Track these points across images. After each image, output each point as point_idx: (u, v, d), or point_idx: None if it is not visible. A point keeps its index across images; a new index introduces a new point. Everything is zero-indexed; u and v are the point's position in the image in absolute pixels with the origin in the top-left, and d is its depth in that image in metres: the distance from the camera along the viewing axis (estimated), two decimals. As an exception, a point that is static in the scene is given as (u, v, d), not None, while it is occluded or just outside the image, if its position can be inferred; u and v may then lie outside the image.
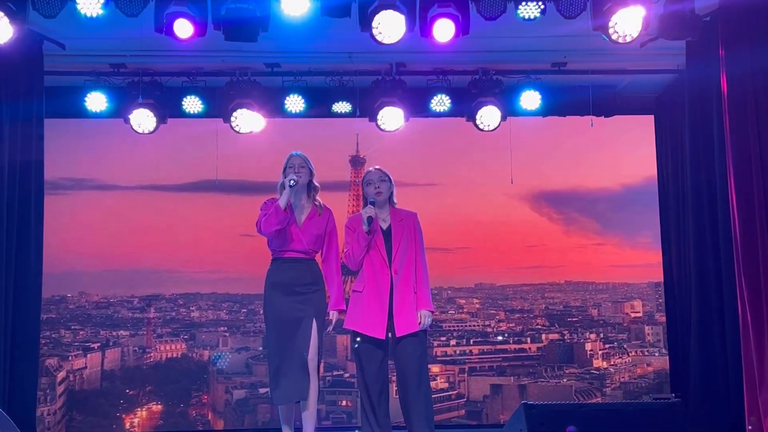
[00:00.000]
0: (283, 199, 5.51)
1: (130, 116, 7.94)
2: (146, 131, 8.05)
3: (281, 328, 5.52)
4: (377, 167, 5.80)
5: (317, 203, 5.75)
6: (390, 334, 5.57)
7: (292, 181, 5.51)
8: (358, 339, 5.58)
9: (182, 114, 8.04)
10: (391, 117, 7.96)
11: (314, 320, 5.55)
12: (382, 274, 5.57)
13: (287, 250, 5.64)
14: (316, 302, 5.60)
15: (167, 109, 8.06)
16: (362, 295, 5.60)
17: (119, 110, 7.99)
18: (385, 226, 5.68)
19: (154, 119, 7.99)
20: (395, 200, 5.80)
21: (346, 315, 5.67)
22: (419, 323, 5.58)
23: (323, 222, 5.72)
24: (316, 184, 5.78)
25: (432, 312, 5.67)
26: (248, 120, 7.98)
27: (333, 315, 5.69)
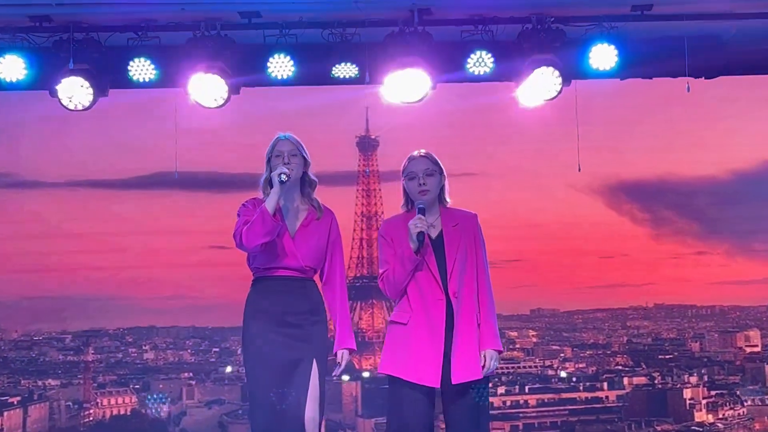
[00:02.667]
0: (270, 200, 5.45)
1: (58, 87, 7.97)
2: (80, 107, 8.07)
3: (270, 375, 5.49)
4: (422, 152, 5.66)
5: (315, 204, 5.73)
6: (443, 381, 5.53)
7: (282, 176, 5.46)
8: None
9: (128, 83, 8.06)
10: (413, 83, 7.96)
11: (315, 363, 5.54)
12: (433, 300, 5.51)
13: (276, 268, 5.59)
14: (316, 338, 5.56)
15: (108, 76, 8.07)
16: (408, 329, 5.50)
17: (43, 79, 8.01)
18: (434, 233, 5.59)
19: (91, 91, 8.01)
20: (447, 198, 5.74)
21: (383, 355, 5.62)
22: (483, 366, 5.56)
23: (324, 229, 5.69)
24: (313, 177, 5.74)
25: (500, 352, 5.62)
26: (218, 90, 7.99)
27: (342, 356, 5.68)
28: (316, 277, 5.75)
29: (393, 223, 5.64)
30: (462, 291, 5.51)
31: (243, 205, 5.64)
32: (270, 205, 5.43)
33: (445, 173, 5.67)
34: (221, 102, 8.09)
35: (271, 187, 5.52)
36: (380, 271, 5.58)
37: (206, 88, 7.99)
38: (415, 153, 5.66)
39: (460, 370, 5.45)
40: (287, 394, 5.46)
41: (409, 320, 5.49)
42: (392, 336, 5.55)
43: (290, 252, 5.56)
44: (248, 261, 5.68)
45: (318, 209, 5.69)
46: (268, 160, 5.65)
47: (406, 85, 7.99)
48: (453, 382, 5.44)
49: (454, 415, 5.52)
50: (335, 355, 5.64)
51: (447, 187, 5.70)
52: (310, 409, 5.49)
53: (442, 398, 5.55)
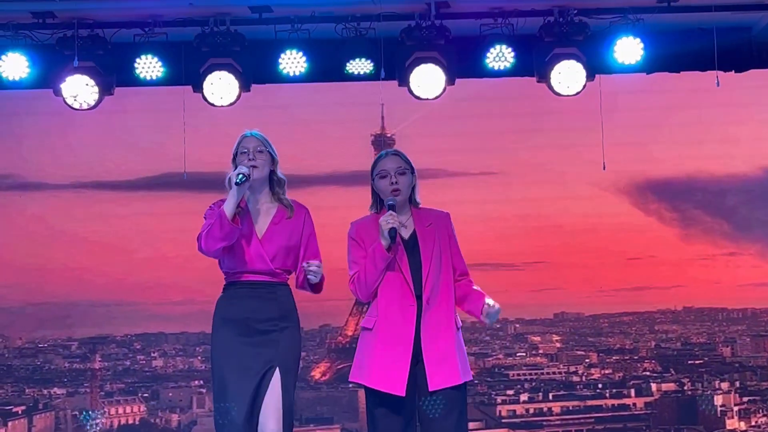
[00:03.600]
0: (228, 203, 5.38)
1: (62, 86, 8.00)
2: (85, 106, 8.10)
3: (234, 386, 5.43)
4: (394, 150, 5.69)
5: (285, 202, 5.65)
6: (417, 390, 5.50)
7: (240, 176, 5.38)
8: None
9: (135, 81, 8.09)
10: (430, 79, 7.97)
11: (278, 372, 5.46)
12: (404, 305, 5.47)
13: (244, 272, 5.56)
14: (283, 345, 5.50)
15: (114, 74, 8.12)
16: (374, 335, 5.49)
17: (46, 77, 8.05)
18: (406, 234, 5.56)
19: (96, 89, 8.04)
20: (418, 198, 5.73)
21: (353, 362, 5.61)
22: (488, 310, 5.45)
23: (296, 227, 5.62)
24: (281, 175, 5.66)
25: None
26: (228, 87, 8.01)
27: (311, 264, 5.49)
28: (292, 281, 5.68)
29: (363, 224, 5.61)
30: (437, 294, 5.48)
31: (210, 207, 5.58)
32: (228, 207, 5.35)
33: (415, 173, 5.65)
34: (231, 100, 8.11)
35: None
36: (350, 273, 5.55)
37: (216, 85, 8.01)
38: (386, 151, 5.67)
39: (438, 374, 5.41)
40: (230, 409, 5.39)
41: (374, 325, 5.48)
42: (360, 342, 5.57)
43: (258, 254, 5.51)
44: (219, 264, 5.66)
45: (288, 207, 5.62)
46: (234, 158, 5.60)
47: (423, 80, 8.00)
48: (429, 389, 5.40)
49: (432, 426, 5.49)
50: (309, 264, 5.47)
51: (417, 187, 5.67)
52: (273, 421, 5.41)
53: (418, 408, 5.50)
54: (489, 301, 5.50)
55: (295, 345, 5.61)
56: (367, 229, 5.55)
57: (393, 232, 5.36)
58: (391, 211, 5.41)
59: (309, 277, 5.48)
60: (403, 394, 5.40)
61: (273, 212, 5.62)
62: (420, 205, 5.67)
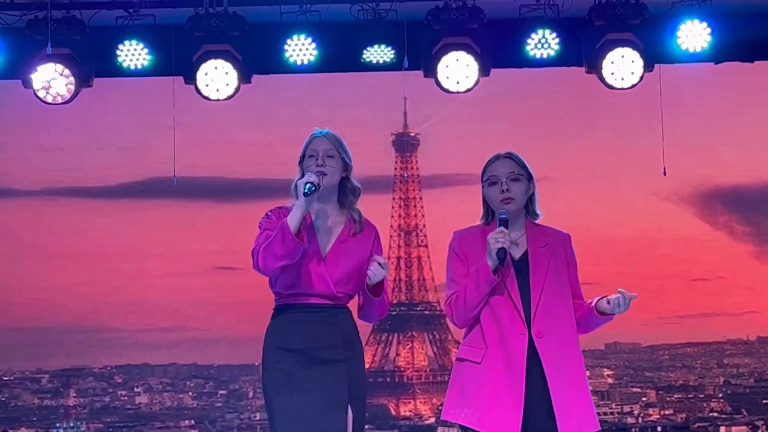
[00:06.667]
0: (293, 215, 5.36)
1: (33, 75, 8.04)
2: (59, 100, 8.14)
3: (298, 423, 5.44)
4: (506, 153, 5.62)
5: (355, 216, 5.66)
6: None
7: (308, 186, 5.37)
8: None
9: (117, 70, 8.13)
10: (461, 69, 7.99)
11: (350, 412, 5.48)
12: (514, 335, 5.41)
13: (303, 294, 5.54)
14: (350, 377, 5.52)
15: (93, 62, 8.16)
16: (482, 369, 5.44)
17: (14, 66, 8.11)
18: (518, 254, 5.53)
19: (72, 80, 8.08)
20: (538, 209, 5.66)
21: (449, 399, 5.52)
22: (609, 298, 5.47)
23: (363, 247, 5.62)
24: (356, 183, 5.68)
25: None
26: (225, 78, 8.04)
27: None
28: (353, 304, 5.69)
29: (467, 236, 5.57)
30: (551, 329, 5.44)
31: (266, 215, 5.58)
32: (293, 221, 5.33)
33: (534, 180, 5.61)
34: (229, 93, 8.14)
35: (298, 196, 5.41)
36: (448, 292, 5.52)
37: (211, 76, 8.04)
38: (499, 153, 5.61)
39: (573, 419, 5.39)
40: None
41: (483, 358, 5.43)
42: (462, 376, 5.51)
43: (319, 275, 5.50)
44: (270, 283, 5.63)
45: (357, 222, 5.61)
46: (301, 161, 5.60)
47: (452, 71, 8.02)
48: None
49: None
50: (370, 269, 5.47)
51: (537, 197, 5.64)
52: None
53: None
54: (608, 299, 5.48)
55: (364, 378, 5.65)
56: (472, 242, 5.53)
57: (502, 253, 5.31)
58: (502, 227, 5.37)
59: (368, 274, 5.46)
60: None
61: (340, 228, 5.63)
62: (539, 219, 5.65)
